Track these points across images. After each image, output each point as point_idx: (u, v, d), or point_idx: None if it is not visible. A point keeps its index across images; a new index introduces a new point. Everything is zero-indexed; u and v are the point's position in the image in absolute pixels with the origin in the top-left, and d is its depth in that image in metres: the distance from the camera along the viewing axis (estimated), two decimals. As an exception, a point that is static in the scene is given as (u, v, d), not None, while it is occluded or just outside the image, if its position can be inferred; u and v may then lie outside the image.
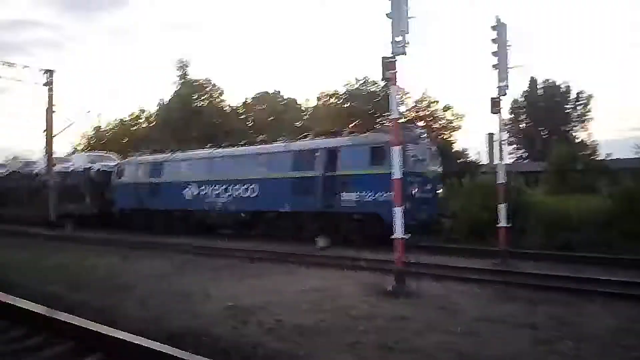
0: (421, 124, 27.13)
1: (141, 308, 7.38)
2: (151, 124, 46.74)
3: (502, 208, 11.71)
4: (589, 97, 62.49)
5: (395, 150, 8.23)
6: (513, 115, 64.84)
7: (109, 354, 4.91)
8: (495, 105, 11.40)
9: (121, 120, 47.73)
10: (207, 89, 42.91)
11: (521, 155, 63.76)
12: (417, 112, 31.23)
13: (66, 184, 25.35)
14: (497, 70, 11.48)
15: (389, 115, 8.67)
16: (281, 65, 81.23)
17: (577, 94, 63.65)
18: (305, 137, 17.95)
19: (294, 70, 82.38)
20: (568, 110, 63.75)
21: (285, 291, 8.52)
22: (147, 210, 22.04)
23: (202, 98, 42.79)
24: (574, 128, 62.23)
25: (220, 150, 20.20)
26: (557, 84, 64.04)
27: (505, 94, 11.57)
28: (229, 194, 18.62)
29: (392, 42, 8.00)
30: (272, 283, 9.41)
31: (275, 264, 11.88)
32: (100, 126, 49.57)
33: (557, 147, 23.58)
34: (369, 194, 14.89)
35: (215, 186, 19.10)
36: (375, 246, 14.84)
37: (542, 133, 63.57)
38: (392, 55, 8.06)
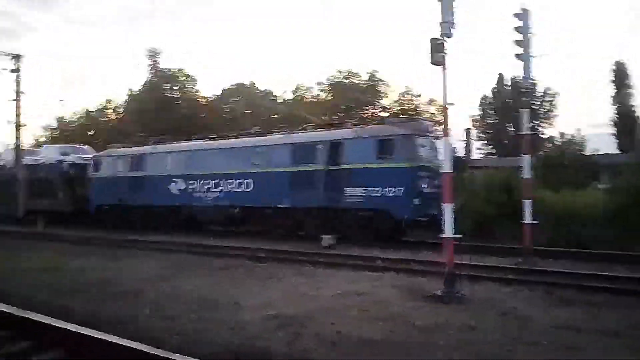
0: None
1: (164, 320, 6.41)
2: (119, 115, 44.65)
3: (527, 204, 11.19)
4: (555, 94, 63.81)
5: (446, 142, 7.51)
6: (482, 112, 65.74)
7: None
8: (523, 97, 10.84)
9: (87, 110, 45.34)
10: (180, 79, 41.19)
11: (489, 151, 64.62)
12: (400, 105, 30.76)
13: (36, 177, 23.64)
14: (522, 60, 10.92)
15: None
16: (256, 58, 79.64)
17: (544, 90, 64.91)
18: (304, 129, 17.07)
19: (269, 62, 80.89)
20: (535, 107, 64.81)
21: (319, 296, 7.71)
22: (128, 206, 20.71)
23: (175, 88, 41.07)
24: (541, 124, 63.43)
25: (210, 141, 19.07)
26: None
27: (530, 84, 11.03)
28: (221, 188, 17.58)
29: (441, 23, 7.28)
30: (296, 286, 8.59)
31: (286, 265, 11.01)
32: (63, 116, 47.14)
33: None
34: (377, 189, 14.16)
35: (205, 180, 18.01)
36: (382, 244, 14.21)
37: (508, 129, 64.65)
38: (440, 36, 7.33)
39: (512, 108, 64.26)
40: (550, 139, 27.28)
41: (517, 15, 10.66)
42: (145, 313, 6.77)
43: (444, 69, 7.35)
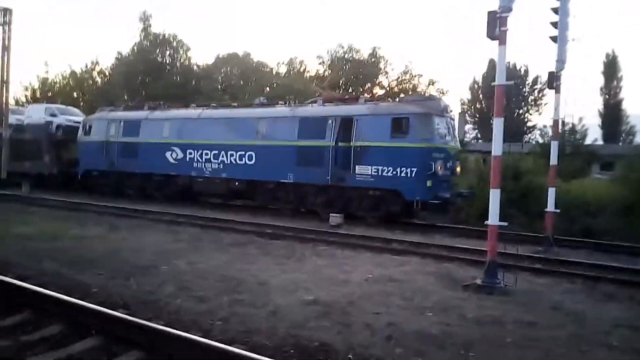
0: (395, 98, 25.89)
1: (195, 302, 5.87)
2: (107, 78, 43.03)
3: (551, 192, 10.84)
4: (545, 82, 63.75)
5: (498, 122, 6.99)
6: (472, 96, 65.74)
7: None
8: (554, 80, 10.38)
9: (73, 71, 43.57)
10: (173, 44, 39.73)
11: (476, 135, 64.74)
12: (399, 84, 30.15)
13: (21, 138, 22.44)
14: (557, 42, 10.42)
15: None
16: (251, 28, 77.73)
17: (534, 78, 64.83)
18: (314, 102, 16.37)
19: (265, 33, 79.00)
20: (524, 93, 64.84)
21: (350, 281, 7.25)
22: (119, 172, 19.85)
23: (167, 54, 39.64)
24: (530, 111, 63.61)
25: (212, 110, 18.23)
26: (516, 67, 65.03)
27: (563, 68, 10.57)
28: (222, 159, 16.85)
29: (502, -5, 6.71)
30: (319, 268, 8.12)
31: (299, 243, 10.49)
32: (47, 78, 45.26)
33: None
34: (389, 168, 13.66)
35: (205, 150, 17.24)
36: (389, 226, 13.81)
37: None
38: (499, 9, 6.77)
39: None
40: (544, 129, 26.98)
41: (555, -5, 10.11)
42: (170, 293, 6.22)
43: (502, 44, 6.81)
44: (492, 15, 6.73)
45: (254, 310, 5.66)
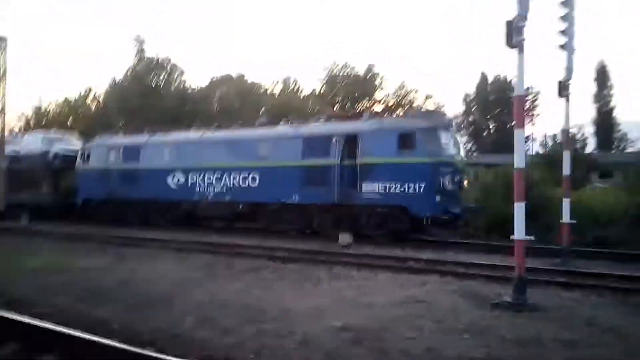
0: (401, 112, 25.94)
1: (221, 334, 5.62)
2: (101, 105, 42.90)
3: (566, 202, 10.71)
4: (537, 93, 64.41)
5: (519, 133, 6.87)
6: (465, 109, 66.17)
7: None
8: (563, 89, 10.32)
9: (66, 99, 43.44)
10: (166, 68, 39.76)
11: (470, 148, 65.02)
12: (397, 99, 30.23)
13: (17, 168, 22.16)
14: (566, 51, 10.38)
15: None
16: (244, 49, 78.16)
17: (526, 89, 65.37)
18: (316, 120, 16.26)
19: (258, 54, 79.46)
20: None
21: (374, 304, 7.01)
22: (120, 200, 19.59)
23: (161, 77, 39.63)
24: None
25: (213, 133, 18.08)
26: (507, 79, 65.62)
27: (571, 77, 10.52)
28: (225, 182, 16.67)
29: (519, 3, 6.65)
30: (340, 291, 7.89)
31: (312, 265, 10.25)
32: (40, 106, 45.10)
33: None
34: (396, 185, 13.51)
35: (207, 174, 17.06)
36: (400, 244, 13.60)
37: (490, 126, 65.14)
38: (516, 19, 6.70)
39: (494, 105, 65.21)
40: (545, 139, 27.03)
41: (563, 3, 10.09)
42: (193, 325, 5.96)
43: (521, 53, 6.74)
44: (510, 24, 6.66)
45: (283, 340, 5.42)
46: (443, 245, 13.49)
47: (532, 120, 62.50)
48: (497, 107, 63.49)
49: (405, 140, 13.50)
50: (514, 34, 6.60)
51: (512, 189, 15.93)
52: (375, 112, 17.40)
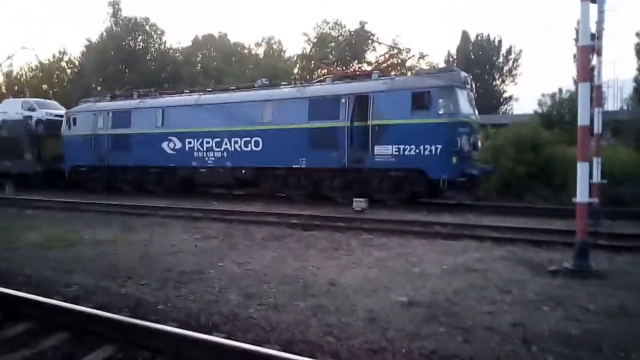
0: (393, 73, 25.19)
1: (277, 313, 5.09)
2: (75, 68, 40.96)
3: (596, 162, 10.34)
4: (519, 52, 63.83)
5: (585, 87, 6.32)
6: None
7: None
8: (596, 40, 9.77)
9: (40, 63, 41.24)
10: (145, 29, 37.93)
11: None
12: (388, 59, 29.30)
13: (-3, 136, 20.97)
14: (597, 2, 9.77)
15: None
16: (225, 6, 75.13)
17: (508, 48, 64.71)
18: (323, 80, 15.47)
19: (240, 11, 76.52)
20: (499, 64, 64.70)
21: (427, 274, 6.54)
22: (111, 167, 18.68)
23: (140, 39, 37.84)
24: (504, 82, 63.63)
25: (210, 95, 17.14)
26: (490, 38, 64.76)
27: (603, 28, 9.98)
28: (225, 147, 15.90)
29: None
30: (381, 260, 7.41)
31: (339, 233, 9.74)
32: (12, 71, 42.80)
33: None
34: (411, 146, 12.97)
35: (206, 138, 16.23)
36: (410, 207, 13.19)
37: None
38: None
39: (476, 64, 64.59)
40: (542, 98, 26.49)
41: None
42: (238, 302, 5.41)
43: (585, 1, 6.13)
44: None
45: (346, 318, 4.90)
46: (459, 207, 13.12)
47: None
48: (479, 67, 63.00)
49: (421, 99, 12.87)
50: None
51: (522, 149, 15.53)
52: (387, 70, 16.54)
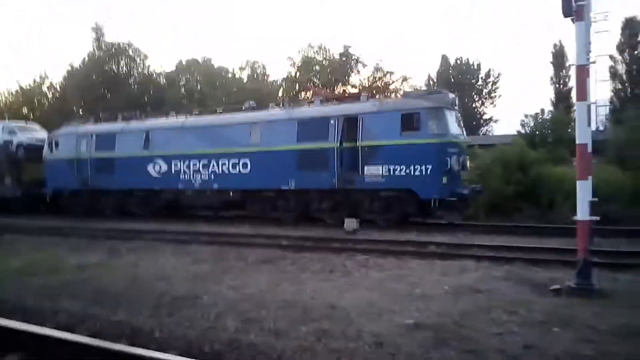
0: (378, 96, 25.39)
1: (279, 339, 4.88)
2: (58, 93, 40.45)
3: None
4: (498, 75, 65.20)
5: (582, 106, 6.36)
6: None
7: None
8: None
9: (21, 87, 40.62)
10: (128, 53, 37.76)
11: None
12: (372, 82, 29.61)
13: (-25, 160, 20.40)
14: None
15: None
16: (209, 32, 75.46)
17: (487, 72, 66.08)
18: (311, 102, 15.45)
19: (223, 37, 76.92)
20: (478, 87, 65.88)
21: (431, 295, 6.39)
22: (94, 190, 18.27)
23: (123, 63, 37.65)
24: (484, 104, 64.78)
25: (197, 117, 16.96)
26: (469, 62, 66.11)
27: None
28: (212, 169, 15.67)
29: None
30: (381, 282, 7.26)
31: (332, 254, 9.55)
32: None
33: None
34: (401, 167, 12.93)
35: (192, 161, 16.00)
36: (400, 227, 13.09)
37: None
38: (576, -18, 6.14)
39: (456, 87, 65.64)
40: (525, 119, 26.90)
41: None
42: (236, 327, 5.19)
43: (579, 20, 6.21)
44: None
45: (353, 343, 4.72)
46: (449, 227, 13.05)
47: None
48: (458, 90, 64.10)
49: (410, 121, 12.89)
50: (571, 2, 6.07)
51: (510, 169, 15.59)
52: (371, 93, 16.65)
